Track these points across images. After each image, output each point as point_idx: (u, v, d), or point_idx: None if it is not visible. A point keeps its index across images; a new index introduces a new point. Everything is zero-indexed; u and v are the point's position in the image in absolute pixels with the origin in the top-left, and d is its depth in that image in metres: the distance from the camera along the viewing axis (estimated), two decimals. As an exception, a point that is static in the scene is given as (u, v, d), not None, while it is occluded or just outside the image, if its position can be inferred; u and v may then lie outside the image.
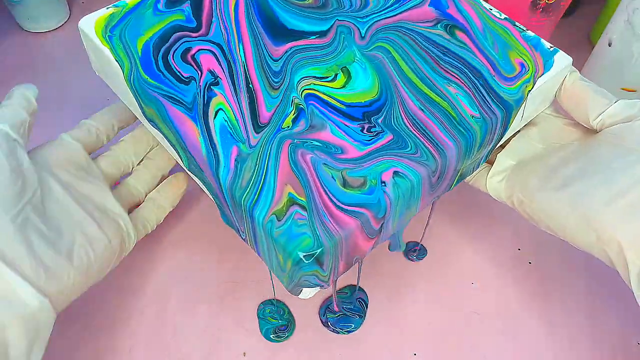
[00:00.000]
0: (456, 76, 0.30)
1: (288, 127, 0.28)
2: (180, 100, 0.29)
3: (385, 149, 0.27)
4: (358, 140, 0.28)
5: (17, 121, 0.29)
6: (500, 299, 0.39)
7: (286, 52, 0.31)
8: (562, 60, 0.32)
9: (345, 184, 0.26)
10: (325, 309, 0.38)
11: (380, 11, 0.34)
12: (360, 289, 0.39)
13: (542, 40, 0.33)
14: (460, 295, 0.39)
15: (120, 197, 0.34)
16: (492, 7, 0.34)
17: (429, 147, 0.28)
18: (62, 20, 0.58)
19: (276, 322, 0.37)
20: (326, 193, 0.26)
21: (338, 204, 0.25)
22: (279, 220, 0.25)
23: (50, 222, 0.28)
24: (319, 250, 0.24)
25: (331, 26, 0.33)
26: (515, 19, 0.46)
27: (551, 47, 0.33)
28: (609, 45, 0.45)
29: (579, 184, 0.29)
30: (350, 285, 0.39)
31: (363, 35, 0.32)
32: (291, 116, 0.28)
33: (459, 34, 0.32)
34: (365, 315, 0.38)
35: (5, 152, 0.27)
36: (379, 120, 0.28)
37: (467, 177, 0.34)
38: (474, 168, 0.33)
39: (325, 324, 0.38)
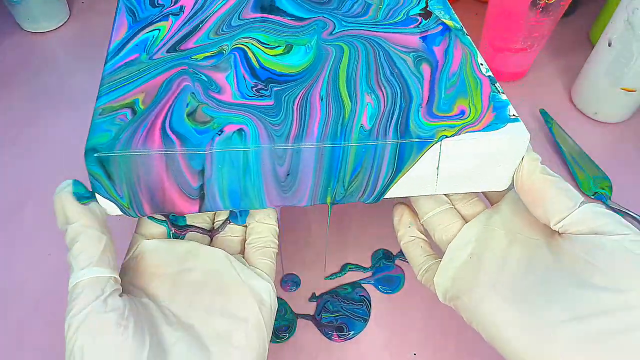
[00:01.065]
0: (383, 91, 0.28)
1: (196, 59, 0.30)
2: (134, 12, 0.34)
3: (257, 109, 0.27)
4: (241, 91, 0.28)
5: (100, 251, 0.24)
6: (500, 299, 0.39)
7: (254, 18, 0.33)
8: (519, 130, 0.27)
9: (190, 114, 0.26)
10: (321, 307, 0.38)
11: (369, 23, 0.33)
12: (361, 286, 0.39)
13: (510, 107, 0.28)
14: (460, 295, 0.39)
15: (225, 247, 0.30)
16: (483, 63, 0.31)
17: (293, 130, 0.26)
18: (62, 20, 0.58)
19: (276, 322, 0.37)
20: (166, 114, 0.26)
21: (166, 126, 0.26)
22: (102, 114, 0.26)
23: (173, 355, 0.24)
24: (106, 153, 0.24)
25: (313, 17, 0.34)
26: (515, 19, 0.47)
27: (513, 115, 0.28)
28: (609, 45, 0.45)
29: (537, 300, 0.25)
30: (352, 282, 0.39)
31: (333, 32, 0.32)
32: (207, 54, 0.30)
33: (424, 66, 0.30)
34: (369, 319, 0.38)
35: (120, 313, 0.23)
36: (275, 89, 0.28)
37: (419, 272, 0.31)
38: (357, 196, 0.29)
39: (319, 325, 0.37)
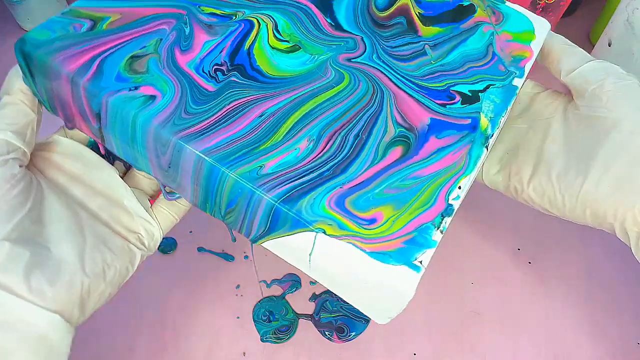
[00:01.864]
0: (325, 149, 0.25)
1: (202, 11, 0.28)
2: None
3: (192, 87, 0.25)
4: (202, 62, 0.26)
5: (21, 123, 0.26)
6: (500, 299, 0.39)
7: (298, 2, 0.30)
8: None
9: (133, 58, 0.26)
10: (320, 307, 0.38)
11: (401, 72, 0.28)
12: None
13: (426, 252, 0.23)
14: (460, 295, 0.39)
15: (136, 183, 0.31)
16: (462, 187, 0.25)
17: (197, 127, 0.24)
18: (62, 20, 0.58)
19: (277, 323, 0.37)
20: (112, 47, 0.26)
21: (99, 58, 0.25)
22: (64, 15, 0.27)
23: (53, 231, 0.25)
24: (29, 50, 0.25)
25: (351, 33, 0.29)
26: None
27: (419, 262, 0.23)
28: (609, 45, 0.45)
29: (564, 166, 0.29)
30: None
31: (354, 59, 0.28)
32: (216, 12, 0.28)
33: (396, 149, 0.26)
34: (370, 319, 0.38)
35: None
36: (231, 79, 0.26)
37: None
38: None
39: (318, 325, 0.37)
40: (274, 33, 0.28)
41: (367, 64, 0.28)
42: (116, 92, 0.24)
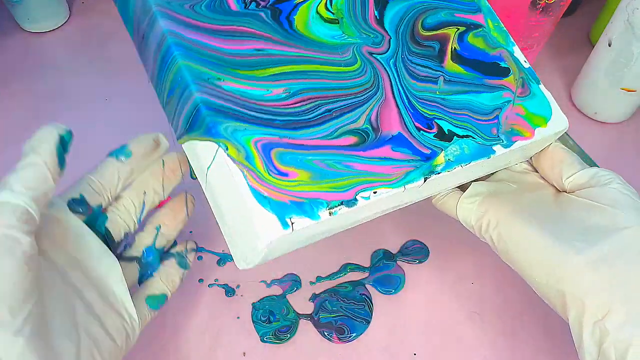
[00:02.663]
0: (286, 92, 0.27)
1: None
2: None
3: None
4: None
5: (41, 190, 0.24)
6: (500, 299, 0.39)
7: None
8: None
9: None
10: (319, 307, 0.38)
11: (412, 87, 0.29)
12: (362, 284, 0.39)
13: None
14: (460, 295, 0.39)
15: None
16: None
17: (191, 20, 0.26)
18: (62, 20, 0.58)
19: (278, 323, 0.37)
20: None
21: None
22: None
23: (54, 326, 0.23)
24: None
25: (388, 35, 0.30)
26: (515, 19, 0.47)
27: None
28: (609, 45, 0.45)
29: (551, 225, 0.29)
30: (352, 281, 0.39)
31: (375, 54, 0.29)
32: None
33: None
34: (371, 320, 0.38)
35: (19, 248, 0.21)
36: (265, 12, 0.27)
37: (434, 199, 0.33)
38: None
39: (317, 325, 0.37)
40: (327, 3, 0.29)
41: (381, 63, 0.28)
42: None
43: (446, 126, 0.28)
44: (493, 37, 0.32)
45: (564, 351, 0.37)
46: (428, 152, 0.27)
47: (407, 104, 0.28)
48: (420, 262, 0.41)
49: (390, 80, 0.28)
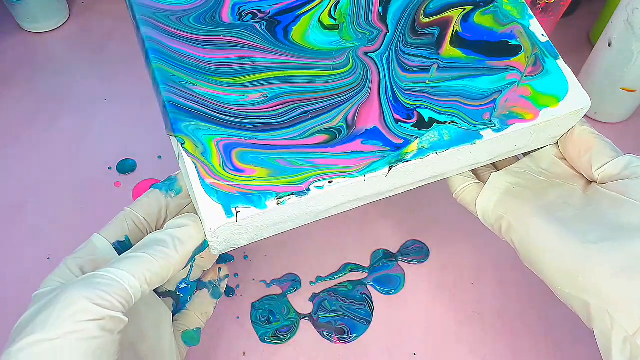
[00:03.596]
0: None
1: None
2: None
3: None
4: (254, 8, 0.29)
5: (153, 285, 0.23)
6: (500, 299, 0.39)
7: None
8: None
9: None
10: (318, 306, 0.38)
11: (397, 75, 0.28)
12: (363, 284, 0.39)
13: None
14: (460, 295, 0.39)
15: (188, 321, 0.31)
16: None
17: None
18: (62, 20, 0.58)
19: (278, 323, 0.37)
20: None
21: None
22: None
23: None
24: None
25: (386, 30, 0.30)
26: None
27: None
28: (609, 45, 0.45)
29: (577, 226, 0.26)
30: (353, 280, 0.39)
31: (369, 53, 0.29)
32: None
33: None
34: (371, 320, 0.38)
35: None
36: (262, 26, 0.29)
37: (454, 193, 0.32)
38: None
39: (316, 325, 0.37)
40: (331, 9, 0.29)
41: (374, 61, 0.29)
42: None
43: (427, 114, 0.27)
44: (506, 11, 0.30)
45: (564, 351, 0.37)
46: (400, 142, 0.26)
47: (390, 97, 0.28)
48: (420, 262, 0.41)
49: (379, 77, 0.28)
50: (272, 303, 0.38)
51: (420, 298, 0.39)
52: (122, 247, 0.27)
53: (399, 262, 0.41)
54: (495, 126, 0.27)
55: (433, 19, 0.30)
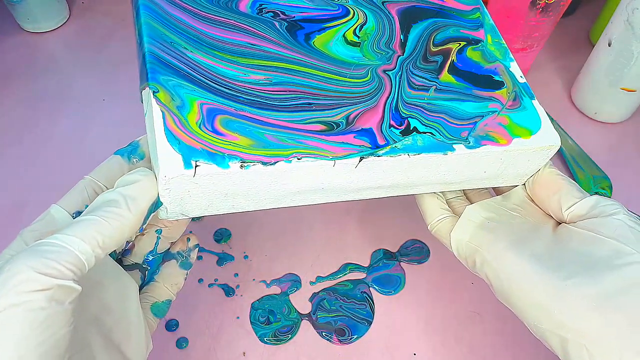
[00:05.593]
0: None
1: None
2: None
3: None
4: (278, 9, 0.30)
5: (108, 248, 0.22)
6: (500, 299, 0.39)
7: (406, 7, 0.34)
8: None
9: None
10: (317, 306, 0.38)
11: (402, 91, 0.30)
12: (364, 282, 0.39)
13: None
14: (460, 295, 0.39)
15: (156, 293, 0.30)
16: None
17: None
18: (62, 20, 0.58)
19: (278, 323, 0.37)
20: None
21: None
22: None
23: None
24: None
25: (401, 54, 0.32)
26: (515, 19, 0.47)
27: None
28: (609, 45, 0.45)
29: (550, 262, 0.26)
30: (353, 279, 0.39)
31: (388, 70, 0.31)
32: None
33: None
34: (372, 320, 0.38)
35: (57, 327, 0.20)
36: (283, 26, 0.30)
37: (429, 225, 0.32)
38: None
39: (315, 325, 0.37)
40: (355, 29, 0.31)
41: (390, 78, 0.30)
42: None
43: (414, 123, 0.29)
44: (490, 51, 0.34)
45: (564, 351, 0.37)
46: (383, 142, 0.27)
47: (392, 107, 0.29)
48: (420, 262, 0.41)
49: (390, 91, 0.30)
50: (272, 302, 0.38)
51: (420, 298, 0.39)
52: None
53: (398, 262, 0.41)
54: (469, 143, 0.29)
55: (439, 48, 0.33)
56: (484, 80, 0.32)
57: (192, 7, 0.28)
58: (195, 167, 0.23)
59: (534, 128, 0.31)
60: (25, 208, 0.43)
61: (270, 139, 0.25)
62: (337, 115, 0.27)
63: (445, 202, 0.33)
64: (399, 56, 0.31)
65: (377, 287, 0.39)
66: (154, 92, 0.24)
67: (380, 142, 0.27)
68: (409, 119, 0.29)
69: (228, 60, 0.27)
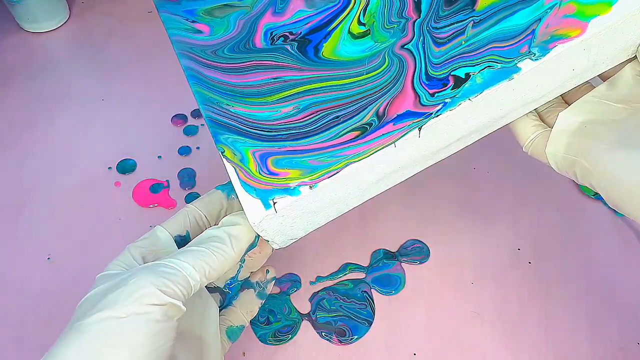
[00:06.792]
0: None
1: None
2: None
3: None
4: (286, 31, 0.31)
5: (213, 278, 0.25)
6: (500, 299, 0.39)
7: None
8: None
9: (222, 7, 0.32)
10: (316, 305, 0.37)
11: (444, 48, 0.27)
12: (365, 282, 0.39)
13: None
14: (460, 295, 0.39)
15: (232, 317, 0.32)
16: None
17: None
18: (62, 20, 0.58)
19: (278, 323, 0.37)
20: None
21: None
22: None
23: None
24: None
25: (415, 16, 0.29)
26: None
27: None
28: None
29: None
30: (354, 279, 0.39)
31: (405, 45, 0.29)
32: None
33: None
34: (373, 321, 0.38)
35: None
36: (301, 49, 0.30)
37: (524, 147, 0.29)
38: None
39: (315, 325, 0.37)
40: (360, 15, 0.30)
41: (410, 51, 0.28)
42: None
43: (463, 72, 0.26)
44: None
45: (564, 351, 0.37)
46: (439, 107, 0.26)
47: (423, 80, 0.27)
48: (420, 262, 0.41)
49: (415, 65, 0.28)
50: (272, 302, 0.38)
51: (420, 298, 0.39)
52: (182, 241, 0.28)
53: (399, 262, 0.41)
54: (534, 55, 0.25)
55: None
56: None
57: (219, 62, 0.29)
58: (274, 204, 0.25)
59: None
60: (25, 208, 0.43)
61: (313, 164, 0.26)
62: (365, 116, 0.27)
63: (536, 116, 0.29)
64: (415, 21, 0.29)
65: (377, 287, 0.39)
66: (221, 152, 0.26)
67: (432, 109, 0.26)
68: (450, 74, 0.26)
69: (259, 103, 0.28)
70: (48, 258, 0.40)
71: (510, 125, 0.29)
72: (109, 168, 0.46)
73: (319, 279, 0.40)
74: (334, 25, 0.30)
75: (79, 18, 0.59)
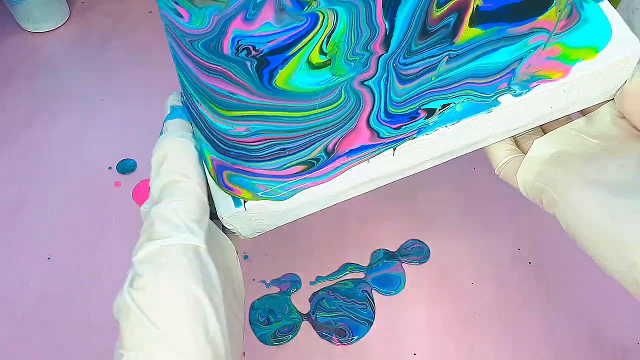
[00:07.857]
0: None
1: None
2: None
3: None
4: (251, 44, 0.28)
5: (203, 218, 0.24)
6: (500, 299, 0.39)
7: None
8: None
9: None
10: (316, 305, 0.37)
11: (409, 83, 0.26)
12: (365, 281, 0.39)
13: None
14: (460, 295, 0.39)
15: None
16: None
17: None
18: (62, 20, 0.58)
19: (279, 323, 0.37)
20: None
21: None
22: None
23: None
24: None
25: (381, 53, 0.27)
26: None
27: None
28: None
29: (630, 193, 0.23)
30: (354, 279, 0.39)
31: (364, 81, 0.27)
32: None
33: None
34: (373, 321, 0.38)
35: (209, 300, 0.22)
36: (258, 70, 0.28)
37: (497, 169, 0.29)
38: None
39: (314, 325, 0.37)
40: (322, 44, 0.27)
41: (370, 88, 0.26)
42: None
43: (438, 104, 0.25)
44: None
45: (564, 351, 0.37)
46: (401, 137, 0.25)
47: (382, 118, 0.26)
48: (420, 262, 0.41)
49: (373, 103, 0.26)
50: (272, 302, 0.38)
51: (420, 298, 0.39)
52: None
53: (399, 262, 0.41)
54: (515, 91, 0.25)
55: (448, 6, 0.27)
56: (523, 8, 0.26)
57: (194, 54, 0.28)
58: (244, 202, 0.26)
59: (602, 41, 0.25)
60: (25, 208, 0.43)
61: (261, 188, 0.26)
62: (312, 151, 0.26)
63: (512, 141, 0.29)
64: (380, 56, 0.27)
65: (377, 287, 0.39)
66: (195, 147, 0.26)
67: (402, 137, 0.25)
68: (421, 107, 0.25)
69: (219, 114, 0.27)
70: (48, 258, 0.40)
71: (485, 147, 0.29)
72: (109, 168, 0.46)
73: (319, 278, 0.40)
74: (294, 50, 0.27)
75: (79, 18, 0.59)
